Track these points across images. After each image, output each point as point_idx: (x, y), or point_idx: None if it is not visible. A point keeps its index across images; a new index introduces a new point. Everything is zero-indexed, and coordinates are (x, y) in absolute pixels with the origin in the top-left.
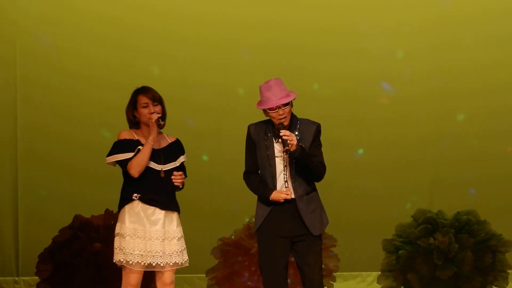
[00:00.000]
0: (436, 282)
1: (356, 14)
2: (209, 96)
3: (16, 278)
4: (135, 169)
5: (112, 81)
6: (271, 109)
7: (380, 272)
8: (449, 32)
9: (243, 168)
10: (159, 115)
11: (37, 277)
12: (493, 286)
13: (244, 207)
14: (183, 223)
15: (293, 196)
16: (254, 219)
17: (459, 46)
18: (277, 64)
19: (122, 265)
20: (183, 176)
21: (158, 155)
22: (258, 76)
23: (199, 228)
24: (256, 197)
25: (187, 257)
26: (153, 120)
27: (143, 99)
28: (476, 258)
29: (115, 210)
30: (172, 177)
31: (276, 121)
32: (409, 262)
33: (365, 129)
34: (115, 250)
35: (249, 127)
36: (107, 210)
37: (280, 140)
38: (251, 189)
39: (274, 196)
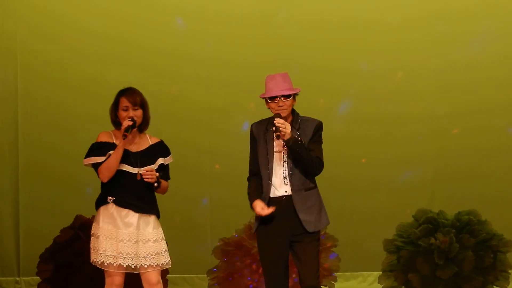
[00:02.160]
0: (437, 282)
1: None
2: (211, 92)
3: (17, 278)
4: (104, 174)
5: (110, 76)
6: (271, 99)
7: (381, 272)
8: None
9: (244, 167)
10: (130, 123)
11: (38, 277)
12: (494, 286)
13: (245, 207)
14: (184, 223)
15: (291, 192)
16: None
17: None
18: (281, 60)
19: (97, 266)
20: (154, 173)
21: (134, 158)
22: (262, 71)
23: (200, 228)
24: None
25: (168, 259)
26: (121, 131)
27: (124, 102)
28: (477, 258)
29: None
30: (143, 173)
31: (274, 111)
32: (410, 262)
33: (366, 128)
34: (91, 250)
35: (251, 125)
36: None
37: (273, 128)
38: (248, 196)
39: (255, 204)
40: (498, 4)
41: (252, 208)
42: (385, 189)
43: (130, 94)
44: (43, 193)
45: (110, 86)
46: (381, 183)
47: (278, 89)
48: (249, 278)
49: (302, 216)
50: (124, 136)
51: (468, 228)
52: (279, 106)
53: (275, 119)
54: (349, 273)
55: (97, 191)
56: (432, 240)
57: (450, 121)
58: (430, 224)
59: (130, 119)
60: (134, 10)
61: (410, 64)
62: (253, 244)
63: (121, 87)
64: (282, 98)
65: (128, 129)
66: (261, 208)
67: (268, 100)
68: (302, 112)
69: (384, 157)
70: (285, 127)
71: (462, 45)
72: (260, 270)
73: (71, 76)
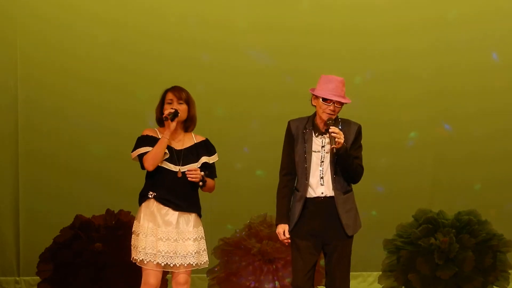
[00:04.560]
0: (437, 282)
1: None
2: (210, 97)
3: (17, 278)
4: (149, 162)
5: (111, 81)
6: (326, 100)
7: (381, 272)
8: (449, 33)
9: (244, 167)
10: (172, 110)
11: (38, 277)
12: (494, 286)
13: (245, 207)
14: None
15: (331, 194)
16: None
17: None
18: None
19: (137, 263)
20: (199, 172)
21: (177, 156)
22: (260, 76)
23: None
24: (258, 196)
25: (206, 258)
26: (164, 114)
27: (169, 96)
28: (477, 258)
29: (116, 210)
30: (187, 172)
31: (321, 112)
32: (410, 262)
33: (366, 130)
34: (131, 247)
35: (289, 122)
36: (108, 210)
37: (327, 136)
38: (276, 199)
39: (279, 228)
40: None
41: (276, 222)
42: (385, 189)
43: (176, 89)
44: (43, 193)
45: (111, 92)
46: (381, 183)
47: (337, 94)
48: (248, 278)
49: (344, 220)
50: (166, 119)
51: (468, 228)
52: (330, 110)
53: (331, 127)
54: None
55: (95, 191)
56: (432, 240)
57: (450, 124)
58: (430, 224)
59: (172, 108)
60: (134, 16)
61: (406, 69)
62: (252, 244)
63: (122, 93)
64: (336, 103)
65: (170, 114)
66: (283, 233)
67: (322, 100)
68: (303, 110)
69: (384, 158)
70: (340, 136)
71: (458, 50)
72: (260, 271)
73: (72, 82)
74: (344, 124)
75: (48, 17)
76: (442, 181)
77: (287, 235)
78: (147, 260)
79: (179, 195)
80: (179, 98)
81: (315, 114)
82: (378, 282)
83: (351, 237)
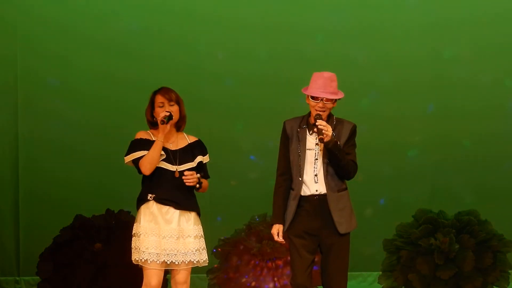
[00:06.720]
0: (437, 282)
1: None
2: (209, 91)
3: (17, 278)
4: (145, 166)
5: (113, 82)
6: (314, 98)
7: (381, 272)
8: (448, 33)
9: (243, 167)
10: (167, 113)
11: (38, 277)
12: (494, 286)
13: (245, 207)
14: None
15: (324, 191)
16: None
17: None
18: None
19: (139, 265)
20: (195, 176)
21: (173, 156)
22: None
23: None
24: (258, 196)
25: (206, 257)
26: (159, 118)
27: (159, 99)
28: (477, 258)
29: (116, 210)
30: (183, 177)
31: (313, 111)
32: (410, 262)
33: (367, 129)
34: (132, 250)
35: (284, 122)
36: (108, 210)
37: (315, 129)
38: (273, 199)
39: (274, 227)
40: None
41: (271, 222)
42: (385, 188)
43: (165, 91)
44: (43, 193)
45: (112, 92)
46: (381, 183)
47: (325, 90)
48: (248, 278)
49: (336, 218)
50: (162, 122)
51: (468, 229)
52: (319, 107)
53: (317, 121)
54: (349, 273)
55: (95, 192)
56: (432, 240)
57: (451, 121)
58: (430, 224)
59: (166, 111)
60: (135, 19)
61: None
62: (252, 244)
63: (123, 93)
64: (324, 100)
65: (166, 117)
66: (277, 234)
67: (311, 98)
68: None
69: (385, 157)
70: (327, 129)
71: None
72: (260, 270)
73: (72, 83)
74: (338, 123)
75: (49, 23)
76: (443, 179)
77: (281, 236)
78: (151, 260)
79: (178, 194)
80: (169, 100)
81: (309, 113)
82: (378, 282)
83: (346, 235)
